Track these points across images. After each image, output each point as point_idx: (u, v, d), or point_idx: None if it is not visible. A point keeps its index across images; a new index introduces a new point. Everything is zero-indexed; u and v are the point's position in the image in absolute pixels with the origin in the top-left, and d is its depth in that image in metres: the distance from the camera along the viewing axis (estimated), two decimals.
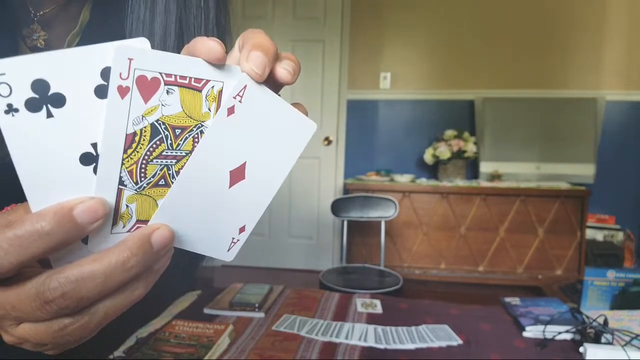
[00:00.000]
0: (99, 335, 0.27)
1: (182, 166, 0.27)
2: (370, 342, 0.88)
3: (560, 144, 3.21)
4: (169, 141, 0.26)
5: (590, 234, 2.96)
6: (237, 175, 0.29)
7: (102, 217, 0.23)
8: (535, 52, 3.26)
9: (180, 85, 0.25)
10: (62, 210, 0.22)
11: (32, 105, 0.22)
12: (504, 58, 3.31)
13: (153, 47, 0.24)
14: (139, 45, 0.23)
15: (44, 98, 0.22)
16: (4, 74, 0.21)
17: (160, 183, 0.27)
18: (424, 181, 3.23)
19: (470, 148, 3.14)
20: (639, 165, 3.21)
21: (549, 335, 0.89)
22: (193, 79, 0.26)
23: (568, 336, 0.90)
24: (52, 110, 0.22)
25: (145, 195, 0.26)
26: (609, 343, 0.83)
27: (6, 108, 0.21)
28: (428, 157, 3.24)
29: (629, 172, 3.21)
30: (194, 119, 0.26)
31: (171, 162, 0.27)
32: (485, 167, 3.26)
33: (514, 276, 3.00)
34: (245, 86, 0.27)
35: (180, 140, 0.26)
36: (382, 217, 2.34)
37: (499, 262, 3.03)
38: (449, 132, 3.25)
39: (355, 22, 3.39)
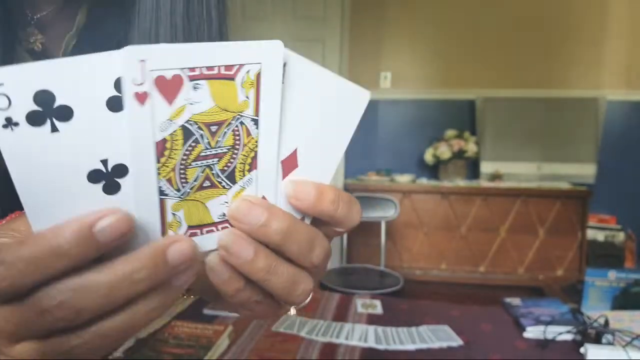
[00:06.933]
0: None
1: (226, 163, 0.25)
2: (371, 343, 0.88)
3: (561, 143, 3.21)
4: (206, 140, 0.24)
5: (591, 234, 2.96)
6: (290, 164, 0.27)
7: (126, 233, 0.21)
8: (536, 51, 3.25)
9: (208, 78, 0.22)
10: (82, 226, 0.20)
11: (35, 119, 0.20)
12: (505, 57, 3.30)
13: None
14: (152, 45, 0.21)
15: (49, 111, 0.20)
16: (2, 84, 0.19)
17: (205, 185, 0.25)
18: (424, 181, 3.23)
19: (471, 148, 3.14)
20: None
21: (549, 336, 0.89)
22: (223, 67, 0.23)
23: (569, 337, 0.89)
24: (57, 124, 0.20)
25: (192, 200, 0.25)
26: (610, 344, 0.83)
27: (4, 122, 0.19)
28: (428, 157, 3.23)
29: (630, 172, 3.20)
30: (230, 111, 0.24)
31: (212, 161, 0.24)
32: (486, 167, 3.25)
33: (514, 277, 3.00)
34: (285, 64, 0.24)
35: (219, 137, 0.24)
36: (383, 218, 2.33)
37: (499, 263, 3.02)
38: (450, 132, 3.24)
39: (355, 22, 3.39)
